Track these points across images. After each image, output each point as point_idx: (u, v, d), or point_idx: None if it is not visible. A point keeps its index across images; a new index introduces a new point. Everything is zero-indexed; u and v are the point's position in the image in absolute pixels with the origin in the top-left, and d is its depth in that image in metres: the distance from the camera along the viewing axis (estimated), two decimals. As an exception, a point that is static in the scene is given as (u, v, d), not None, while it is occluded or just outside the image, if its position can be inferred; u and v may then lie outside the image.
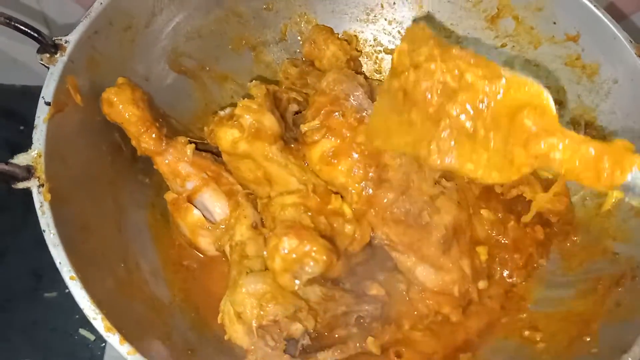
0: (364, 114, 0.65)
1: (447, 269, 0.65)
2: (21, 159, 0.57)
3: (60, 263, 0.54)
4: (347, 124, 0.64)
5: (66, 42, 0.63)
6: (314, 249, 0.57)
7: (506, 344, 0.67)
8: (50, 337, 0.84)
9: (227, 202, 0.69)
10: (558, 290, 0.69)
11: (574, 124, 0.75)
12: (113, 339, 0.52)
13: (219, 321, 0.62)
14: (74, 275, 0.53)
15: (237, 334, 0.60)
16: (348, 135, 0.64)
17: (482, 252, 0.67)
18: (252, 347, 0.59)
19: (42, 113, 0.59)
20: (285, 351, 0.59)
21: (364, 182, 0.64)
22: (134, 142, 0.68)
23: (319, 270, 0.58)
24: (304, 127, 0.65)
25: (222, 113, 0.66)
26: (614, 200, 0.68)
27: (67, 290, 0.87)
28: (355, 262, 0.67)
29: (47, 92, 0.60)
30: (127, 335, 0.52)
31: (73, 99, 0.63)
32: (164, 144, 0.68)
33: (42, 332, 0.85)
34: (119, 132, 0.69)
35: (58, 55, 0.62)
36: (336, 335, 0.64)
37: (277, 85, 0.76)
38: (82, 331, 0.85)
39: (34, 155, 0.57)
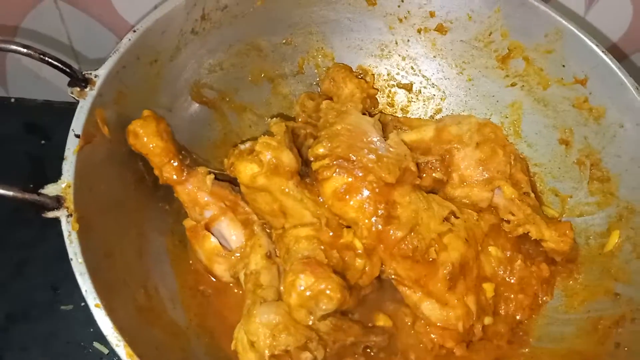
0: (379, 152, 0.67)
1: (452, 305, 0.66)
2: (51, 189, 0.59)
3: (86, 291, 0.56)
4: (359, 166, 0.66)
5: (96, 76, 0.65)
6: (329, 286, 0.59)
7: (509, 379, 0.70)
8: (65, 349, 0.86)
9: (243, 231, 0.72)
10: (560, 327, 0.71)
11: (579, 164, 0.77)
12: (134, 365, 0.54)
13: (232, 348, 0.65)
14: (99, 302, 0.55)
15: None
16: (360, 174, 0.67)
17: (488, 289, 0.69)
18: None
19: (72, 145, 0.61)
20: None
21: (374, 218, 0.66)
22: (156, 172, 0.71)
23: (333, 307, 0.60)
24: (314, 165, 0.68)
25: (242, 147, 0.69)
26: (616, 241, 0.71)
27: (82, 304, 0.91)
28: (364, 294, 0.70)
29: (77, 125, 0.62)
30: (147, 362, 0.55)
31: (101, 130, 0.66)
32: (185, 174, 0.71)
33: (58, 344, 0.87)
34: (143, 162, 0.72)
35: (88, 89, 0.64)
36: (344, 365, 0.67)
37: (294, 120, 0.79)
38: (96, 344, 0.87)
39: (63, 185, 0.60)
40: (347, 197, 0.67)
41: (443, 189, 0.74)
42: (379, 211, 0.66)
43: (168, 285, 0.71)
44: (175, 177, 0.70)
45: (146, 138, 0.68)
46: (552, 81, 0.78)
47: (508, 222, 0.72)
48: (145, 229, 0.72)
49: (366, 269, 0.67)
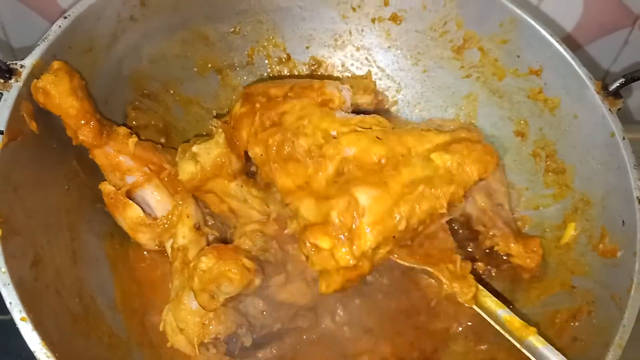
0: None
1: (332, 195, 0.59)
2: (-30, 192, 0.54)
3: (10, 303, 0.51)
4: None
5: (22, 66, 0.60)
6: (230, 268, 0.56)
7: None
8: (5, 362, 0.81)
9: (169, 197, 0.66)
10: (517, 321, 0.70)
11: (535, 156, 0.76)
12: (65, 384, 0.50)
13: (161, 329, 0.62)
14: (25, 316, 0.51)
15: (179, 343, 0.60)
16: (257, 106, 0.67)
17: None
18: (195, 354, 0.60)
19: (-6, 142, 0.56)
20: (226, 353, 0.60)
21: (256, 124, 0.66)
22: (69, 132, 0.63)
23: (235, 290, 0.57)
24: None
25: (194, 149, 0.64)
26: (572, 233, 0.71)
27: (21, 312, 0.85)
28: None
29: (0, 120, 0.57)
30: (82, 378, 0.51)
31: (28, 126, 0.60)
32: (104, 136, 0.63)
33: (-2, 357, 0.81)
34: (77, 160, 0.67)
35: (13, 80, 0.59)
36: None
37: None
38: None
39: (-17, 187, 0.55)
40: (243, 120, 0.67)
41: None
42: (266, 123, 0.65)
43: (107, 292, 0.66)
44: (92, 140, 0.63)
45: (59, 97, 0.59)
46: (508, 72, 0.77)
47: (479, 233, 0.70)
48: (80, 232, 0.66)
49: (312, 259, 0.61)
